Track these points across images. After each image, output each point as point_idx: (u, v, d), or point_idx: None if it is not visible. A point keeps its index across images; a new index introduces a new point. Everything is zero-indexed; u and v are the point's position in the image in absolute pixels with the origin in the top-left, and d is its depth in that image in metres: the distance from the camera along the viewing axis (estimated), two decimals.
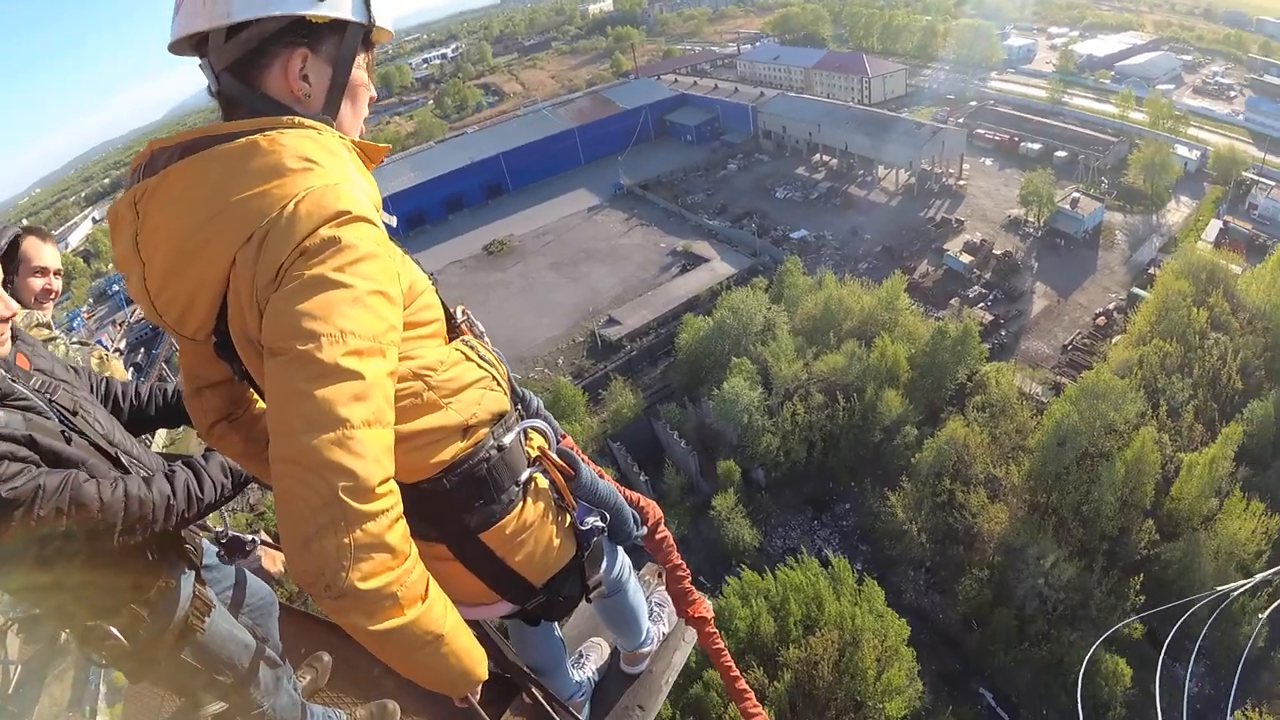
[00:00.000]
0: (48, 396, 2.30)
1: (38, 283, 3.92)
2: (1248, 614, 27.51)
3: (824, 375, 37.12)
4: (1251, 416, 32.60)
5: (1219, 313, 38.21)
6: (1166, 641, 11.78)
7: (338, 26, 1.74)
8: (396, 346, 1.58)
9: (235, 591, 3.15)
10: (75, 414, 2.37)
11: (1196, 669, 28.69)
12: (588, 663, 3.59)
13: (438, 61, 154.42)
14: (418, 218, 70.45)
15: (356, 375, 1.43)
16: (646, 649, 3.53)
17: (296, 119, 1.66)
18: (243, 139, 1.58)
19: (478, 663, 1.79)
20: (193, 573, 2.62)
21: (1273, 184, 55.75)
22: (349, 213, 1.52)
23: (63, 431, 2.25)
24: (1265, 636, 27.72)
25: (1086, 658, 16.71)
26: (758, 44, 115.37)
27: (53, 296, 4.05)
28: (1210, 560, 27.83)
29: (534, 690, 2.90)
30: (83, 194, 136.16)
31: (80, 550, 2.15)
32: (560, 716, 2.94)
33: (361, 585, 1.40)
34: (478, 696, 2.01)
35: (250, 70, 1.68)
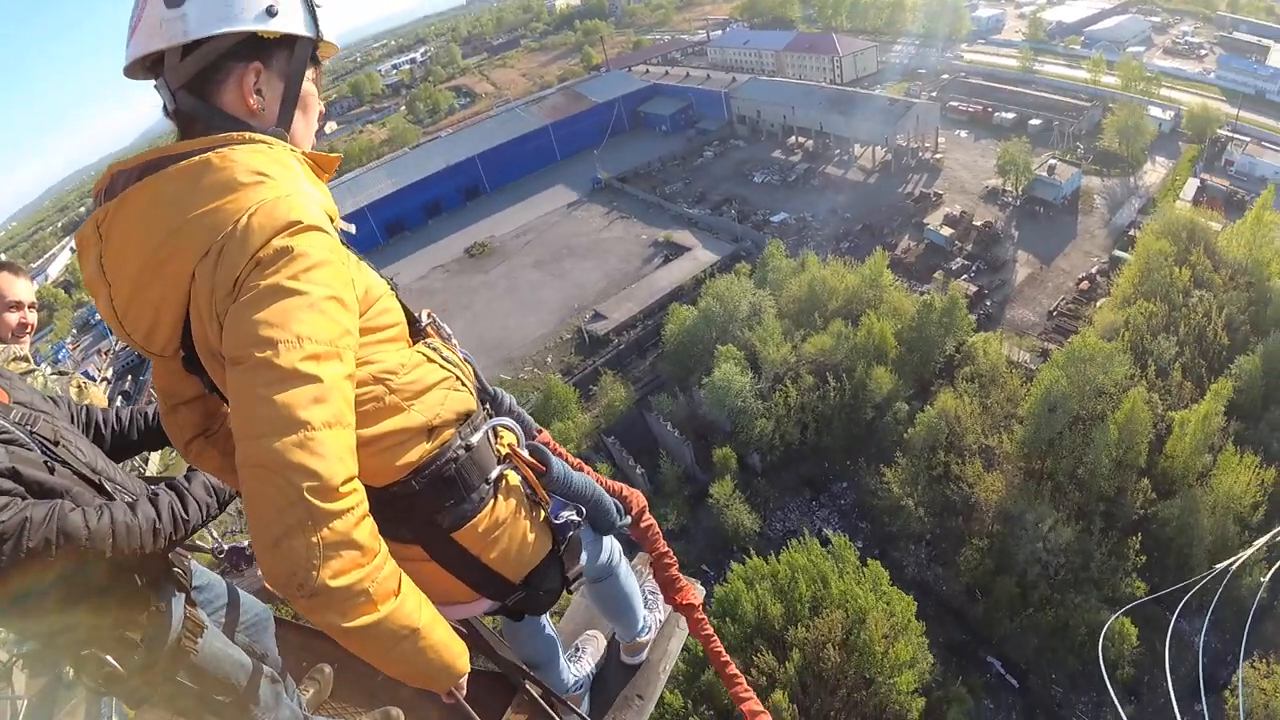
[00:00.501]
0: (29, 428, 2.31)
1: (13, 317, 3.96)
2: (1248, 567, 27.75)
3: (812, 356, 37.18)
4: (1239, 371, 32.81)
5: (1201, 270, 38.40)
6: (1176, 611, 11.74)
7: (288, 42, 1.81)
8: (353, 350, 1.62)
9: (229, 610, 3.14)
10: (57, 444, 2.37)
11: (1200, 623, 28.89)
12: (584, 656, 3.60)
13: (407, 67, 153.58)
14: (396, 224, 70.26)
15: (315, 379, 1.47)
16: (645, 638, 3.54)
17: (248, 134, 1.70)
18: (196, 157, 1.62)
19: (458, 656, 1.82)
20: (183, 595, 2.61)
21: (1247, 140, 56.20)
22: (300, 222, 1.57)
23: (45, 462, 2.26)
24: (1269, 588, 27.93)
25: (1105, 628, 16.72)
26: (727, 29, 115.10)
27: (29, 330, 4.09)
28: (1208, 515, 28.04)
29: (532, 686, 2.90)
30: (59, 224, 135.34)
31: (69, 579, 2.14)
32: (559, 712, 2.94)
33: (332, 583, 1.44)
34: (464, 691, 2.01)
35: (206, 86, 1.74)
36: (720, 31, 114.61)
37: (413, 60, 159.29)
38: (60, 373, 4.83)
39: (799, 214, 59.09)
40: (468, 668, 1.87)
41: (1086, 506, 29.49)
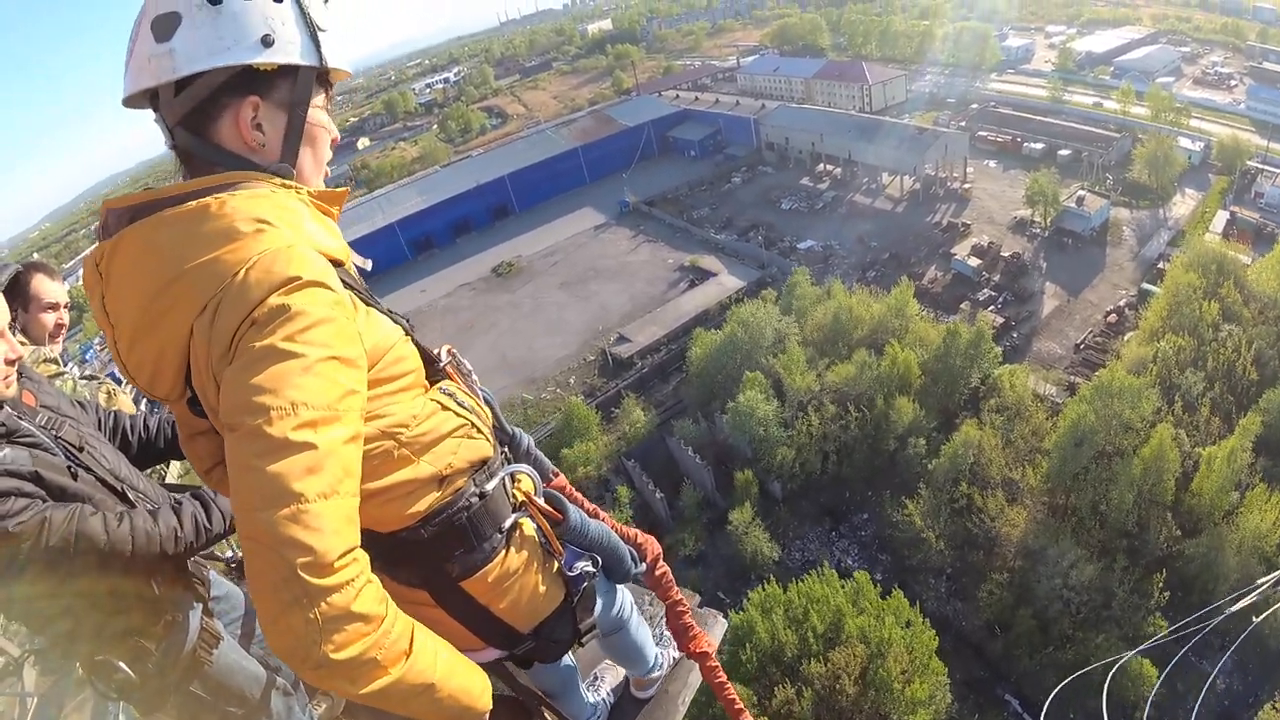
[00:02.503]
0: (54, 433, 2.32)
1: (49, 319, 3.96)
2: (1271, 602, 27.28)
3: (836, 385, 37.11)
4: (1269, 406, 32.35)
5: (1230, 304, 38.06)
6: (1186, 647, 11.63)
7: (289, 71, 1.72)
8: (357, 410, 1.55)
9: (245, 621, 3.15)
10: (81, 450, 2.38)
11: (1223, 664, 28.45)
12: (602, 684, 3.55)
13: (440, 86, 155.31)
14: (425, 242, 70.86)
15: (309, 447, 1.41)
16: (656, 674, 3.48)
17: (249, 175, 1.66)
18: (193, 202, 1.57)
19: (478, 698, 1.79)
20: (200, 605, 2.64)
21: (1278, 171, 55.46)
22: (299, 278, 1.49)
23: (69, 467, 2.27)
24: None
25: (1114, 667, 16.54)
26: (757, 56, 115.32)
27: (63, 331, 4.09)
28: (1234, 554, 27.67)
29: (549, 715, 2.86)
30: (92, 226, 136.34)
31: (87, 584, 2.17)
32: None
33: (336, 656, 1.39)
34: None
35: (202, 123, 1.67)
36: (750, 58, 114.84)
37: (446, 80, 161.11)
38: (90, 377, 4.81)
39: (826, 241, 58.95)
40: (489, 706, 1.84)
41: (1110, 543, 29.17)
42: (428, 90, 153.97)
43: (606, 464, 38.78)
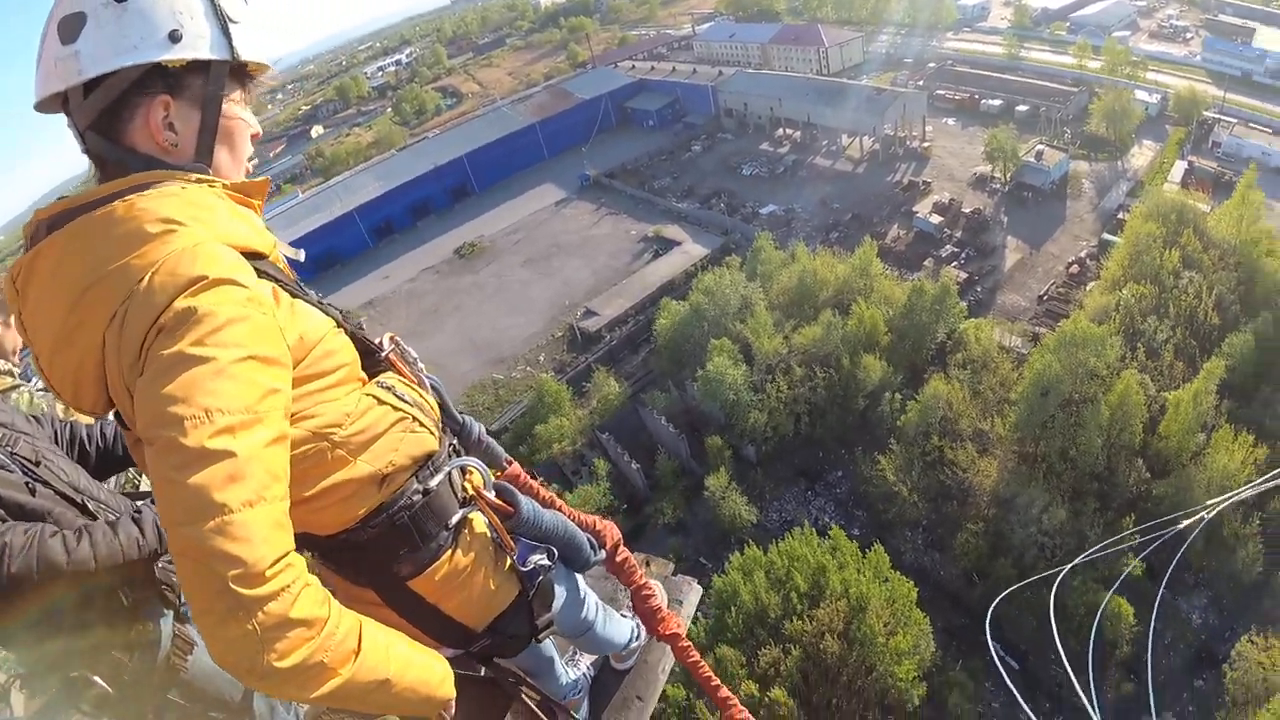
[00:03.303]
0: (9, 449, 2.28)
1: (18, 335, 3.91)
2: (1241, 540, 27.92)
3: (804, 347, 37.20)
4: (1231, 350, 32.92)
5: (1190, 251, 38.58)
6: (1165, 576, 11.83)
7: (199, 67, 1.68)
8: (281, 410, 1.50)
9: None
10: (38, 464, 2.33)
11: (1198, 601, 29.09)
12: (582, 659, 3.52)
13: (393, 68, 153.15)
14: (385, 227, 70.07)
15: (228, 455, 1.36)
16: (633, 646, 3.47)
17: (160, 174, 1.59)
18: (102, 208, 1.52)
19: (437, 687, 1.77)
20: (171, 612, 2.55)
21: (1234, 121, 56.38)
22: (205, 277, 1.44)
23: (26, 483, 2.23)
24: (1262, 562, 28.14)
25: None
26: (712, 23, 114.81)
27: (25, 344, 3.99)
28: (1202, 494, 28.13)
29: (529, 694, 2.85)
30: None
31: (53, 605, 2.11)
32: (559, 717, 2.91)
33: (281, 665, 1.36)
34: (452, 711, 1.95)
35: (113, 125, 1.62)
36: (706, 25, 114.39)
37: (398, 62, 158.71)
38: (47, 389, 4.77)
39: (788, 205, 59.10)
40: (451, 693, 1.82)
41: (1080, 488, 29.61)
42: (380, 73, 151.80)
43: (581, 438, 38.77)
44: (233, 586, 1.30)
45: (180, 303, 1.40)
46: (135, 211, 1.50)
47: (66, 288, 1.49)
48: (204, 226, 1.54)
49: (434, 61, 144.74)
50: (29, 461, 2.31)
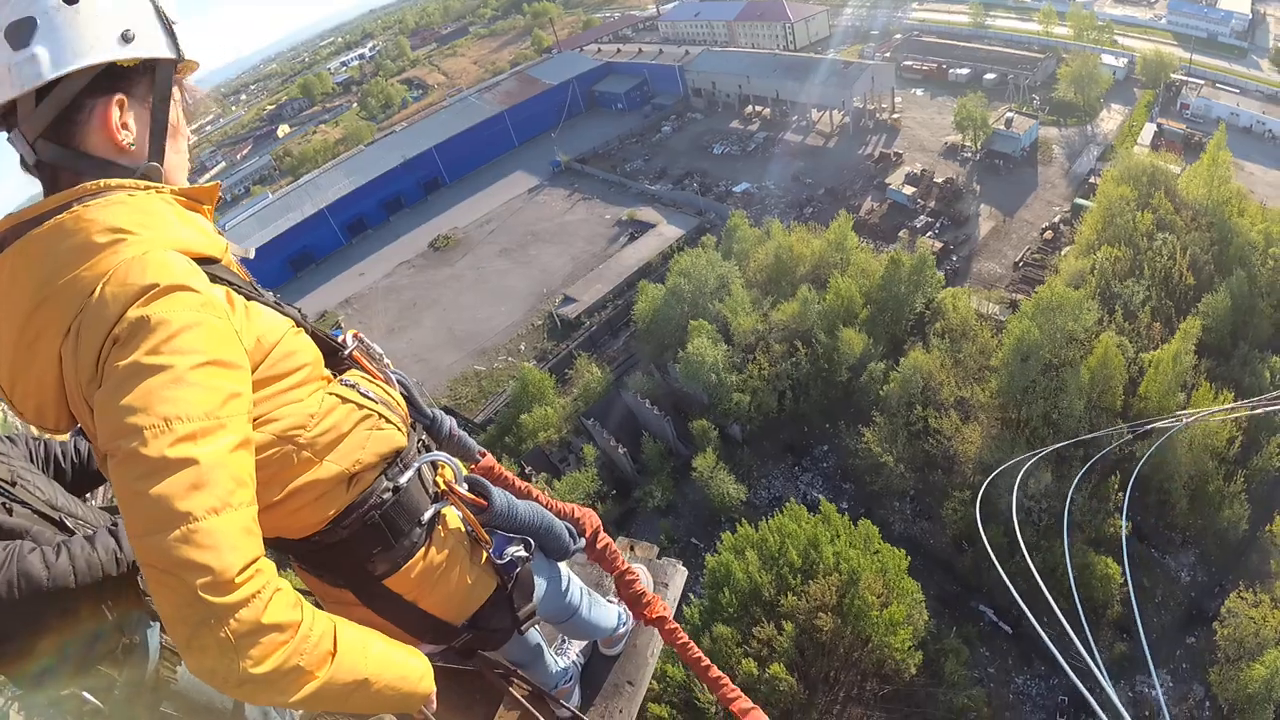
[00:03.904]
0: None
1: None
2: (1228, 498, 28.26)
3: (783, 324, 37.26)
4: (1208, 309, 33.30)
5: (1163, 213, 38.92)
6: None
7: (147, 67, 1.68)
8: (243, 415, 1.48)
9: None
10: (14, 484, 2.34)
11: (1185, 559, 29.46)
12: (570, 647, 3.53)
13: (356, 63, 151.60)
14: (358, 224, 69.45)
15: (189, 463, 1.34)
16: (621, 631, 3.48)
17: (105, 183, 1.56)
18: (50, 221, 1.49)
19: (417, 684, 1.78)
20: (157, 623, 2.55)
21: (1201, 83, 56.97)
22: (156, 285, 1.42)
23: (3, 503, 2.24)
24: (1248, 519, 28.49)
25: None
26: (677, 3, 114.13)
27: None
28: (1185, 452, 28.55)
29: (520, 684, 2.88)
30: None
31: (36, 621, 2.10)
32: (550, 707, 2.94)
33: (257, 671, 1.35)
34: (433, 706, 1.94)
35: (68, 130, 1.60)
36: (670, 5, 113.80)
37: (361, 56, 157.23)
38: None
39: (761, 183, 59.19)
40: (431, 689, 1.82)
41: (1064, 451, 29.87)
42: (343, 69, 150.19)
43: (566, 426, 38.75)
44: (202, 595, 1.29)
45: (133, 312, 1.39)
46: (82, 223, 1.47)
47: (20, 305, 1.47)
48: (153, 233, 1.52)
49: (398, 54, 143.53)
50: (4, 482, 2.30)
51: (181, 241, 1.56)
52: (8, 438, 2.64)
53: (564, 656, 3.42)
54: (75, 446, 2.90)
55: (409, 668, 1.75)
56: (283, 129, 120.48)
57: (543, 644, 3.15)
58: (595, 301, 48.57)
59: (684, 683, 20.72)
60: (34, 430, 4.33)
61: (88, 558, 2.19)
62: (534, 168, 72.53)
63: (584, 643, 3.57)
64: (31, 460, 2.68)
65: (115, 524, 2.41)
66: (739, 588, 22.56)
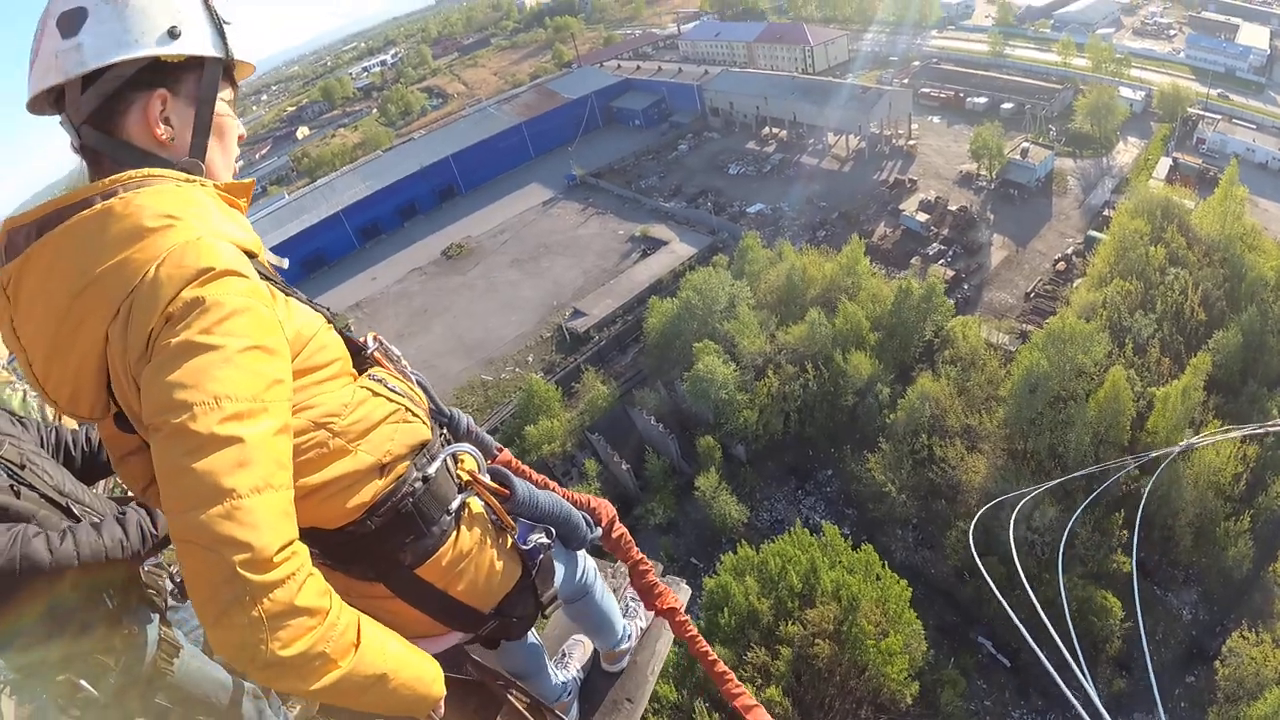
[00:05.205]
0: None
1: None
2: (1231, 537, 28.08)
3: (791, 346, 37.25)
4: (1219, 346, 33.14)
5: (1176, 248, 38.82)
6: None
7: (195, 64, 1.73)
8: (284, 400, 1.53)
9: None
10: (23, 468, 2.36)
11: (1188, 596, 29.24)
12: (571, 661, 3.56)
13: (378, 69, 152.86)
14: (373, 228, 69.71)
15: (236, 441, 1.38)
16: (625, 646, 3.50)
17: (151, 172, 1.61)
18: (98, 205, 1.52)
19: (430, 684, 1.78)
20: (157, 616, 2.59)
21: (1218, 118, 56.89)
22: (212, 269, 1.47)
23: (11, 486, 2.26)
24: (1251, 558, 28.30)
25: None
26: (697, 22, 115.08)
27: None
28: (1190, 489, 28.38)
29: (519, 695, 2.88)
30: None
31: (37, 605, 2.12)
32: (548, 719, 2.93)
33: (284, 653, 1.37)
34: (441, 712, 1.97)
35: (110, 119, 1.66)
36: (691, 24, 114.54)
37: (383, 62, 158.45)
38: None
39: (775, 204, 59.14)
40: (442, 692, 1.83)
41: (1069, 484, 29.76)
42: (365, 74, 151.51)
43: (570, 439, 38.70)
44: (240, 571, 1.31)
45: (188, 292, 1.43)
46: (132, 208, 1.51)
47: (64, 288, 1.49)
48: (201, 222, 1.56)
49: (419, 62, 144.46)
50: (14, 465, 2.33)
51: (225, 234, 1.60)
52: (19, 420, 2.67)
53: (564, 670, 3.44)
54: (86, 435, 2.92)
55: (424, 669, 1.78)
56: (302, 131, 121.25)
57: (544, 654, 3.18)
58: (605, 316, 48.49)
59: (679, 703, 20.63)
60: (50, 414, 4.39)
61: (92, 544, 2.21)
62: (549, 180, 72.69)
63: (585, 657, 3.60)
64: (42, 446, 2.70)
65: (123, 513, 2.44)
66: (737, 609, 22.49)
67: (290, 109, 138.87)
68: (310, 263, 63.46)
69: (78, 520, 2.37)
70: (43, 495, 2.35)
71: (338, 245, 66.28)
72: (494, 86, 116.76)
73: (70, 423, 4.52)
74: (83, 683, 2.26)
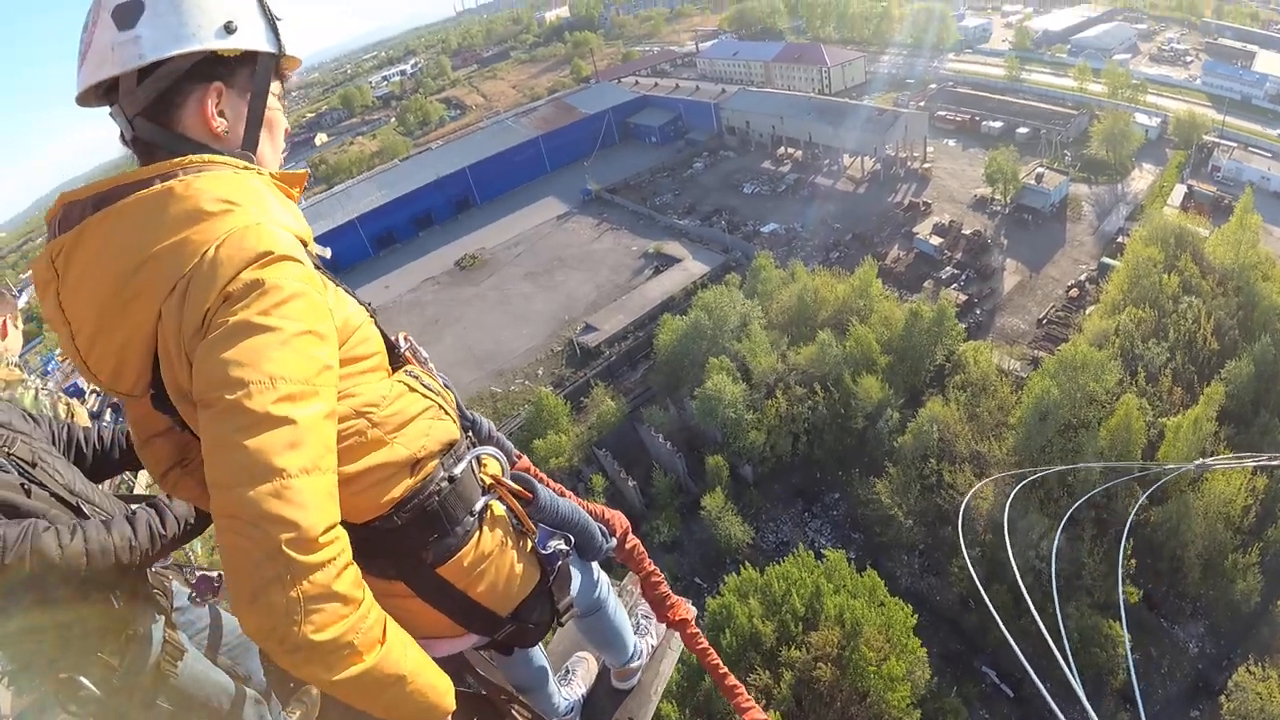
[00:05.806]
0: (6, 450, 2.31)
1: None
2: (1240, 571, 27.84)
3: (802, 367, 37.18)
4: (1231, 376, 32.92)
5: (1189, 276, 38.65)
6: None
7: (249, 58, 1.75)
8: (333, 386, 1.56)
9: (211, 632, 3.13)
10: (35, 466, 2.36)
11: (1195, 629, 28.98)
12: (575, 678, 3.54)
13: (397, 78, 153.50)
14: (388, 237, 70.03)
15: (289, 421, 1.41)
16: (636, 664, 3.49)
17: (211, 158, 1.64)
18: (158, 185, 1.55)
19: (443, 695, 1.76)
20: (162, 618, 2.59)
21: (1234, 145, 56.61)
22: (272, 252, 1.50)
23: (22, 484, 2.25)
24: (1260, 591, 28.04)
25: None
26: (715, 41, 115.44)
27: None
28: (1200, 520, 28.17)
29: (521, 711, 2.87)
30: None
31: (44, 601, 2.12)
32: None
33: (315, 637, 1.38)
34: None
35: (165, 111, 1.67)
36: (709, 43, 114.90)
37: (403, 72, 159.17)
38: (49, 391, 4.79)
39: (788, 224, 59.07)
40: (453, 705, 1.82)
41: (1078, 514, 29.55)
42: (385, 83, 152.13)
43: (578, 454, 38.63)
44: (285, 549, 1.33)
45: (248, 274, 1.46)
46: (192, 190, 1.54)
47: (118, 262, 1.52)
48: (258, 208, 1.60)
49: (439, 72, 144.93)
50: (25, 463, 2.33)
51: (280, 221, 1.64)
52: (31, 417, 2.66)
53: (568, 688, 3.44)
54: (98, 433, 2.93)
55: (439, 679, 1.77)
56: (320, 137, 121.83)
57: (548, 670, 3.19)
58: (616, 332, 48.51)
59: None
60: (62, 413, 4.44)
61: (102, 542, 2.22)
62: (565, 194, 72.86)
63: (588, 675, 3.59)
64: (54, 443, 2.71)
65: (133, 512, 2.45)
66: (740, 631, 22.42)
67: (310, 115, 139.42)
68: (324, 267, 63.45)
69: (87, 519, 2.37)
70: (53, 494, 2.36)
71: (351, 252, 66.41)
72: (512, 99, 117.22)
73: (82, 420, 4.57)
74: (84, 680, 2.28)
